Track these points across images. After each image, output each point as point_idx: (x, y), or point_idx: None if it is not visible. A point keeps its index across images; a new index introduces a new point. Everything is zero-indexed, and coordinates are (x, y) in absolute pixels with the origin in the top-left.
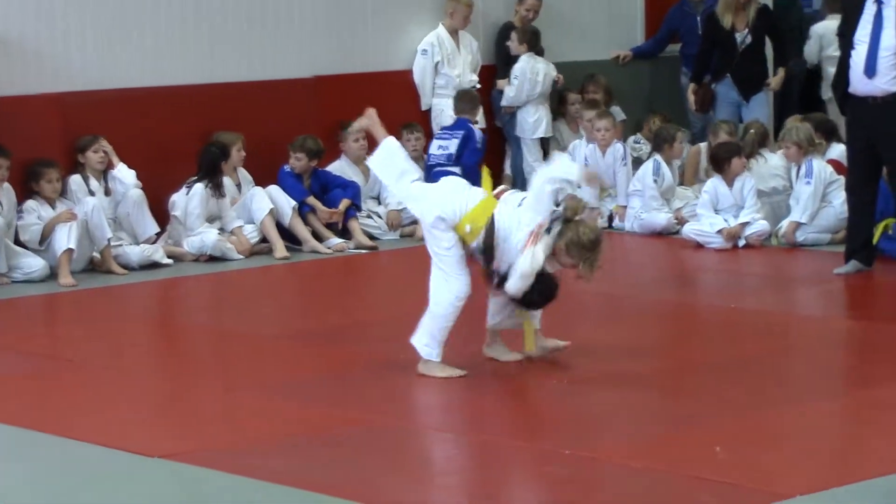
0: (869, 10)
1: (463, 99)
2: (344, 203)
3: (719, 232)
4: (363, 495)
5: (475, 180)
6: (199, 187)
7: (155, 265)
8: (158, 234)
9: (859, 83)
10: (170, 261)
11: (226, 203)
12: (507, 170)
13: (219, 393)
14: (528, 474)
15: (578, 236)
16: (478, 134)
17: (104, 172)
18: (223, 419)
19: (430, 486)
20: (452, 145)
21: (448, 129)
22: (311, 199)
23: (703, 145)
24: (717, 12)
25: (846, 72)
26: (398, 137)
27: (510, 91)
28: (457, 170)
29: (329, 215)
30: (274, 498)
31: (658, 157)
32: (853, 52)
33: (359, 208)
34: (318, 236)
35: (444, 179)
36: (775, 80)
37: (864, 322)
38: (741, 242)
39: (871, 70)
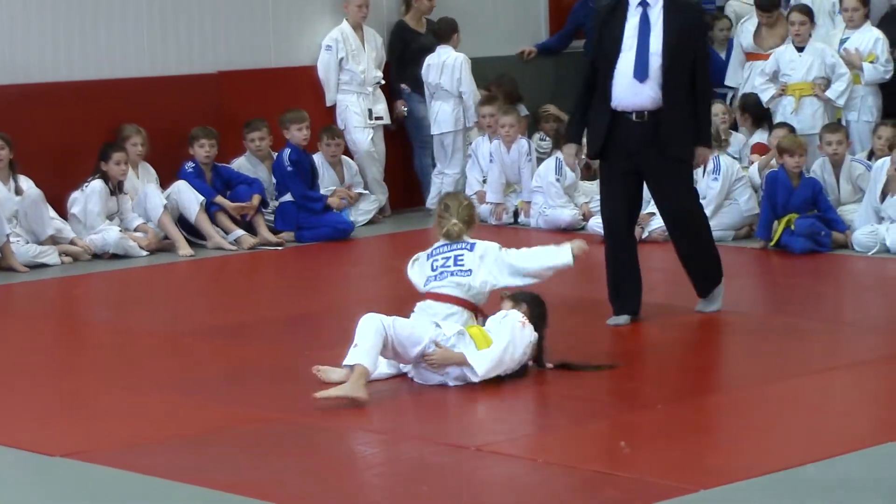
0: (633, 15)
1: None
2: (256, 198)
3: None
4: (269, 493)
5: (311, 210)
6: (95, 184)
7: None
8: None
9: (626, 92)
10: (57, 261)
11: (126, 200)
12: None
13: (121, 391)
14: (437, 470)
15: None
16: (286, 154)
17: (13, 171)
18: (126, 417)
19: (338, 484)
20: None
21: None
22: (219, 199)
23: None
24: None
25: (596, 90)
26: (317, 141)
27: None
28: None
29: (239, 209)
30: (179, 496)
31: (560, 154)
32: (618, 60)
33: (265, 204)
34: (221, 228)
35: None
36: None
37: (763, 316)
38: (644, 234)
39: (641, 72)
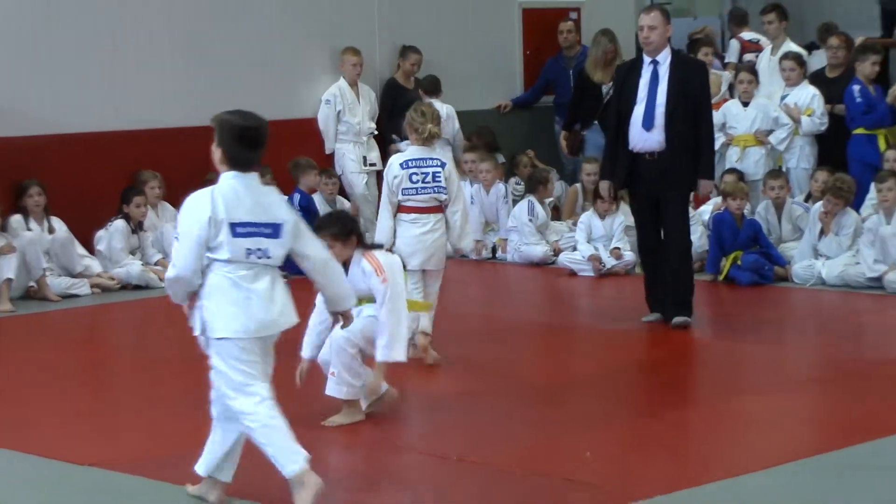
0: (646, 71)
1: (294, 167)
2: None
3: (589, 258)
4: (271, 498)
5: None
6: (118, 224)
7: (75, 296)
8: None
9: (638, 138)
10: (88, 291)
11: (146, 237)
12: None
13: (141, 407)
14: (419, 479)
15: None
16: (296, 199)
17: (47, 214)
18: (146, 431)
19: (329, 490)
20: None
21: None
22: None
23: (578, 185)
24: (586, 68)
25: (620, 135)
26: (316, 181)
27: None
28: None
29: None
30: (192, 501)
31: (532, 197)
32: (633, 111)
33: None
34: None
35: None
36: None
37: (714, 341)
38: (608, 265)
39: (648, 122)
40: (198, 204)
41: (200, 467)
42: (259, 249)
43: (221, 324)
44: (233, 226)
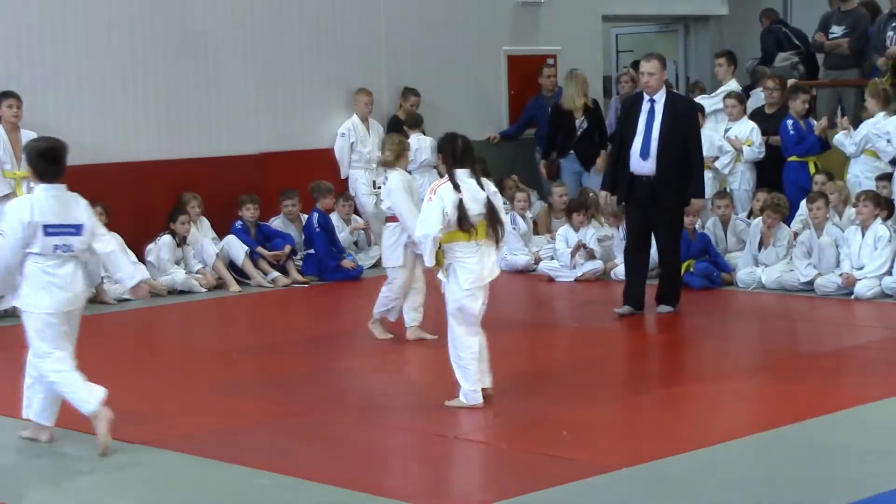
0: (644, 108)
1: (314, 190)
2: (288, 248)
3: (576, 246)
4: (294, 470)
5: (328, 265)
6: (165, 239)
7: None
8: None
9: (637, 164)
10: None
11: (189, 250)
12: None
13: (184, 393)
14: (423, 453)
15: None
16: (315, 218)
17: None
18: (188, 413)
19: (347, 463)
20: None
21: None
22: (260, 249)
23: (546, 205)
24: (563, 101)
25: (623, 159)
26: (335, 203)
27: None
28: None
29: (274, 257)
30: (227, 474)
31: (514, 211)
32: (633, 141)
33: (295, 253)
34: (262, 271)
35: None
36: (599, 162)
37: (672, 336)
38: (579, 273)
39: (645, 153)
40: (20, 209)
41: (29, 413)
42: (64, 245)
43: (31, 301)
44: (45, 227)
